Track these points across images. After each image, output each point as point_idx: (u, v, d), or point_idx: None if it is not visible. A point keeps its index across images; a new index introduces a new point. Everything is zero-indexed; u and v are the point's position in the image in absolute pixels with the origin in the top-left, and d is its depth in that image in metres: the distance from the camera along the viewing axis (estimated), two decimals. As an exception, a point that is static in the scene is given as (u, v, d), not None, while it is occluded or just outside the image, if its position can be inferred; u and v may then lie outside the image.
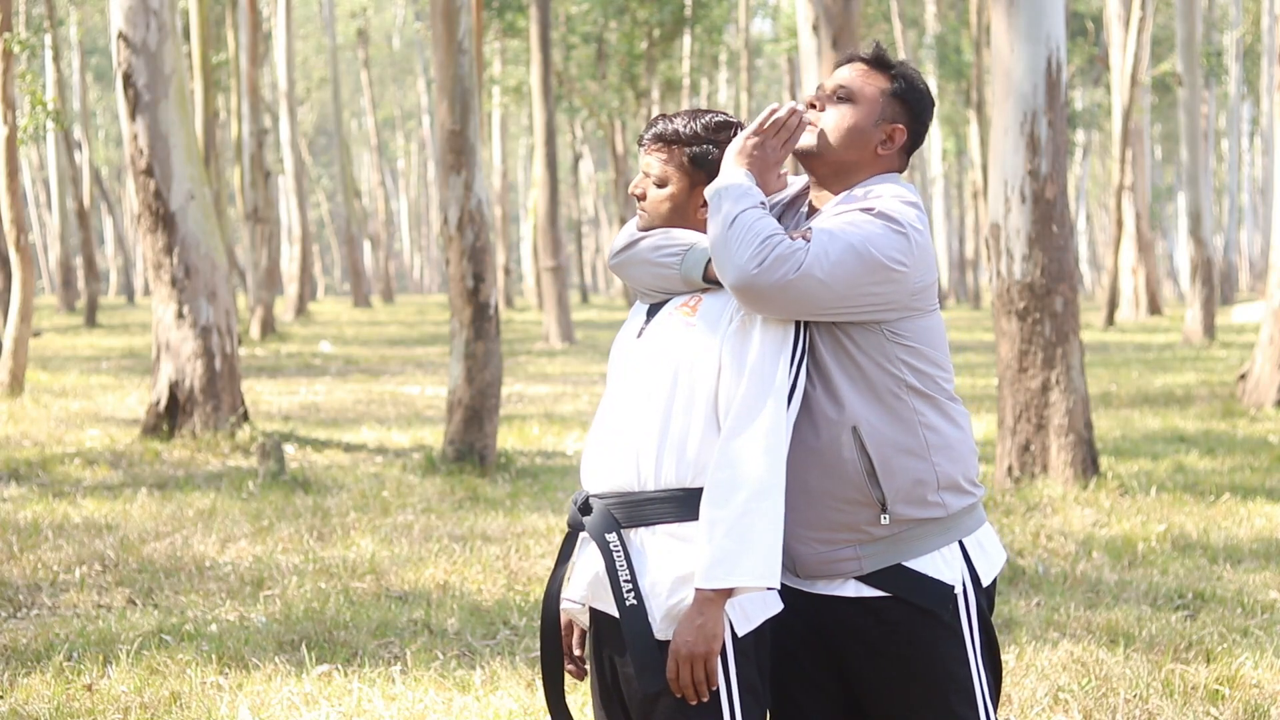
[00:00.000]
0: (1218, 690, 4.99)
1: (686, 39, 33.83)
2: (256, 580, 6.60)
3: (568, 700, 3.13)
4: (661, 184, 3.05)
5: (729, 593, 2.83)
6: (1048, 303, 8.77)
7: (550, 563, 6.99)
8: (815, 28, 10.79)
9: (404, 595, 6.40)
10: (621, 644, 2.91)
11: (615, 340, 3.13)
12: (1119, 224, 26.60)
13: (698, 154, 3.02)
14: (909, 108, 3.09)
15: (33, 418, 12.59)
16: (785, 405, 2.89)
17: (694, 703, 2.84)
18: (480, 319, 9.92)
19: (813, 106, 3.09)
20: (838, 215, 2.98)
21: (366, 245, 52.20)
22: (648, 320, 3.05)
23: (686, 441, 2.90)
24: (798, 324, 2.95)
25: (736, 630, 2.88)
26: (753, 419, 2.85)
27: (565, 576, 3.07)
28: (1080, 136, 42.39)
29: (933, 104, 3.15)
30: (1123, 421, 12.67)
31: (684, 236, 3.03)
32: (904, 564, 2.96)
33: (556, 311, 23.71)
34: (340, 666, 5.28)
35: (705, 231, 3.00)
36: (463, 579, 6.68)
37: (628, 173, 34.63)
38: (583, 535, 3.02)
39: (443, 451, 9.96)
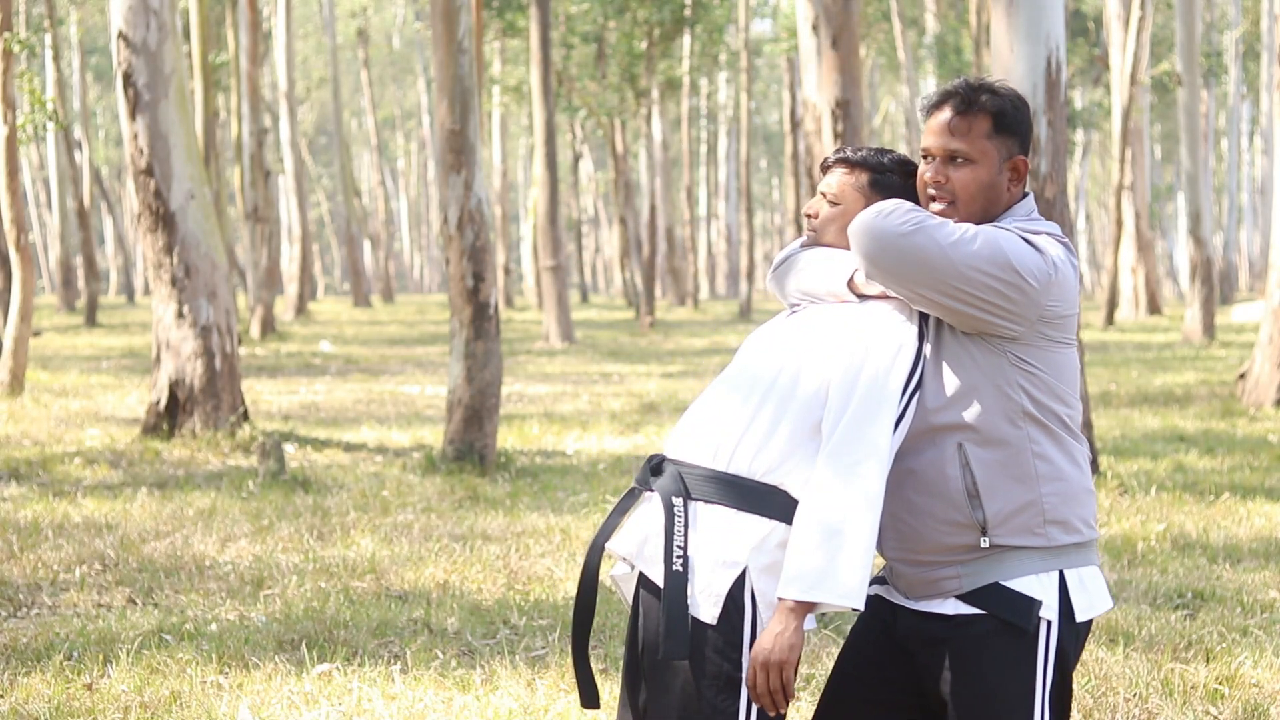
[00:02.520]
0: (1217, 690, 4.99)
1: (686, 39, 33.83)
2: (256, 580, 6.60)
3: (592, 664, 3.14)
4: (836, 203, 3.13)
5: (812, 606, 2.85)
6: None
7: (550, 562, 7.00)
8: (815, 28, 10.79)
9: (404, 595, 6.40)
10: (656, 608, 2.94)
11: (753, 331, 3.19)
12: (1119, 224, 26.60)
13: (879, 179, 3.11)
14: (1019, 136, 3.05)
15: (33, 417, 12.59)
16: (891, 431, 2.91)
17: (772, 713, 2.89)
18: (480, 318, 9.92)
19: (940, 185, 3.03)
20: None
21: (366, 245, 52.19)
22: (787, 318, 3.13)
23: (770, 437, 2.94)
24: (917, 353, 2.94)
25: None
26: (860, 439, 2.87)
27: (615, 527, 3.09)
28: (1080, 136, 42.38)
29: (1026, 106, 3.09)
30: (1122, 421, 12.67)
31: (841, 253, 3.10)
32: (1001, 582, 2.93)
33: (556, 311, 23.71)
34: (340, 666, 5.28)
35: None
36: (463, 579, 6.68)
37: (627, 172, 34.62)
38: (644, 495, 3.05)
39: (443, 451, 9.96)
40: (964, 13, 37.96)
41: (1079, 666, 5.24)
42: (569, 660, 5.31)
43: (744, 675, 2.89)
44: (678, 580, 2.88)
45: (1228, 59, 41.89)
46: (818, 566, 2.83)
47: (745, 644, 2.90)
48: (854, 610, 2.88)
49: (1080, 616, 2.98)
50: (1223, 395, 14.24)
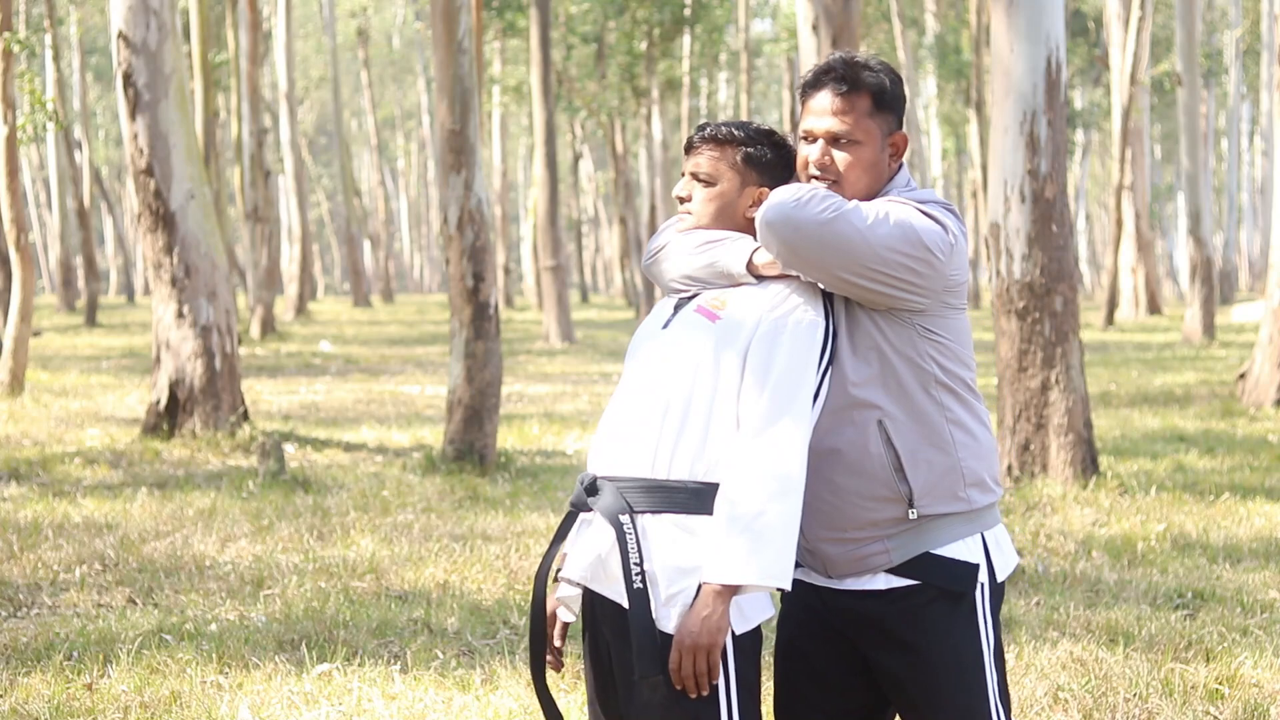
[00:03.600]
0: (1217, 689, 4.99)
1: (686, 39, 33.82)
2: (256, 580, 6.60)
3: (550, 687, 3.14)
4: (710, 182, 3.07)
5: (736, 589, 2.84)
6: (1047, 302, 8.77)
7: (550, 562, 6.99)
8: (815, 28, 10.78)
9: (404, 595, 6.40)
10: (622, 628, 2.91)
11: (638, 330, 3.13)
12: (1119, 224, 26.59)
13: (751, 154, 3.06)
14: (896, 111, 3.06)
15: (33, 417, 12.59)
16: (809, 411, 2.90)
17: (694, 695, 2.85)
18: (480, 318, 9.92)
19: (821, 170, 3.03)
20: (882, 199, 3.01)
21: (366, 245, 52.19)
22: (674, 313, 3.05)
23: (704, 437, 2.90)
24: (826, 330, 2.95)
25: (735, 629, 2.89)
26: (776, 422, 2.86)
27: (558, 556, 3.06)
28: (1080, 136, 42.39)
29: (901, 80, 3.09)
30: (1122, 421, 12.67)
31: (726, 234, 3.05)
32: (931, 551, 2.97)
33: (556, 311, 23.71)
34: (340, 666, 5.28)
35: (751, 233, 3.02)
36: (463, 579, 6.68)
37: (627, 172, 34.64)
38: (583, 516, 3.01)
39: (443, 451, 9.96)
40: (964, 13, 37.98)
41: (1079, 666, 5.25)
42: (568, 660, 5.31)
43: (719, 680, 2.87)
44: (640, 598, 2.85)
45: (1228, 59, 41.88)
46: (742, 548, 2.81)
47: (726, 648, 2.89)
48: (779, 590, 2.88)
49: (1001, 576, 3.05)
50: (1223, 395, 14.24)
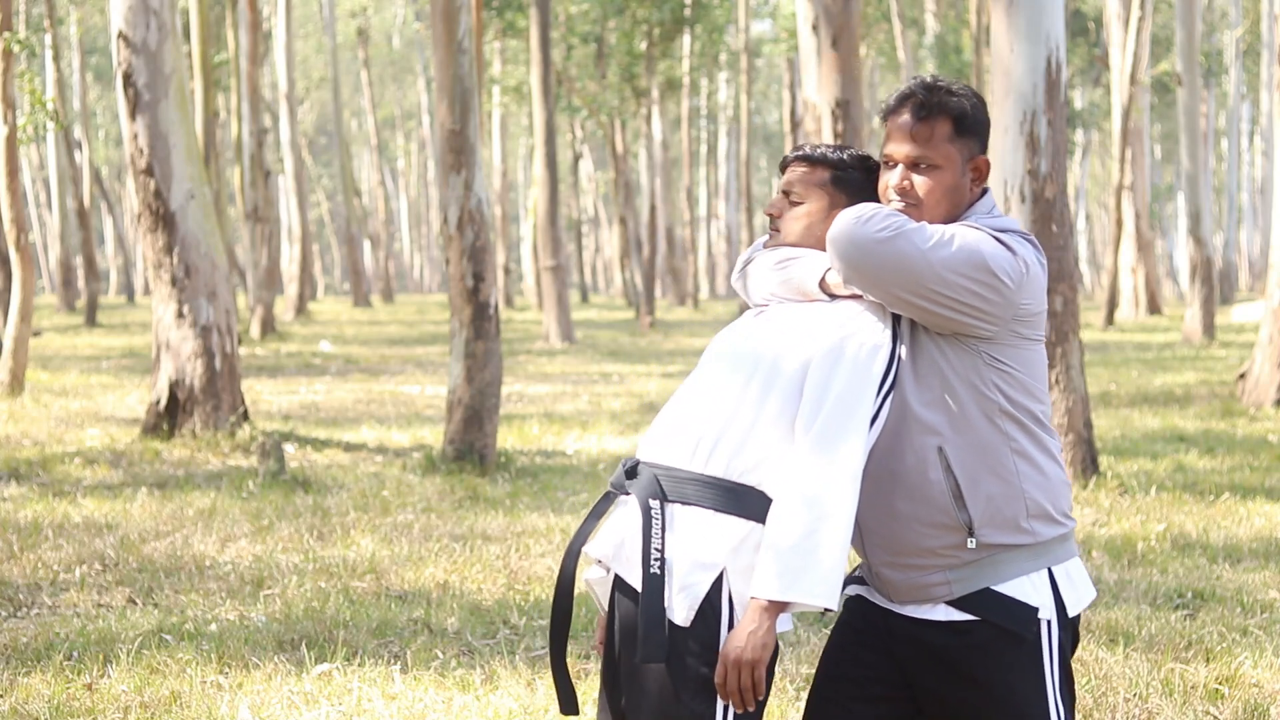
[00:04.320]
0: (1217, 689, 4.99)
1: (686, 39, 33.82)
2: (256, 580, 6.60)
3: (571, 672, 3.13)
4: (799, 201, 3.12)
5: (784, 606, 2.85)
6: (1047, 302, 8.76)
7: (550, 562, 7.00)
8: (815, 28, 10.78)
9: (404, 595, 6.40)
10: (630, 611, 2.93)
11: (717, 334, 3.18)
12: (1118, 223, 26.59)
13: (840, 176, 3.10)
14: (979, 135, 3.06)
15: (33, 417, 12.59)
16: (867, 433, 2.90)
17: (739, 710, 2.87)
18: (480, 318, 9.92)
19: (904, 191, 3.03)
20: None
21: (366, 245, 52.19)
22: (750, 322, 3.11)
23: (745, 438, 2.92)
24: (891, 353, 2.93)
25: None
26: (834, 442, 2.86)
27: (591, 532, 3.07)
28: (1080, 136, 42.38)
29: (984, 103, 3.09)
30: (1122, 421, 12.67)
31: (805, 251, 3.08)
32: (992, 588, 2.93)
33: (556, 311, 23.71)
34: (340, 666, 5.28)
35: None
36: (463, 579, 6.68)
37: (627, 172, 34.62)
38: (619, 499, 3.04)
39: (443, 451, 9.96)
40: (964, 13, 37.97)
41: (1078, 667, 5.24)
42: (568, 660, 5.31)
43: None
44: (654, 583, 2.87)
45: (1228, 59, 41.88)
46: (792, 566, 2.82)
47: (721, 644, 2.89)
48: (826, 610, 2.87)
49: (1072, 611, 2.99)
50: (1223, 395, 14.24)
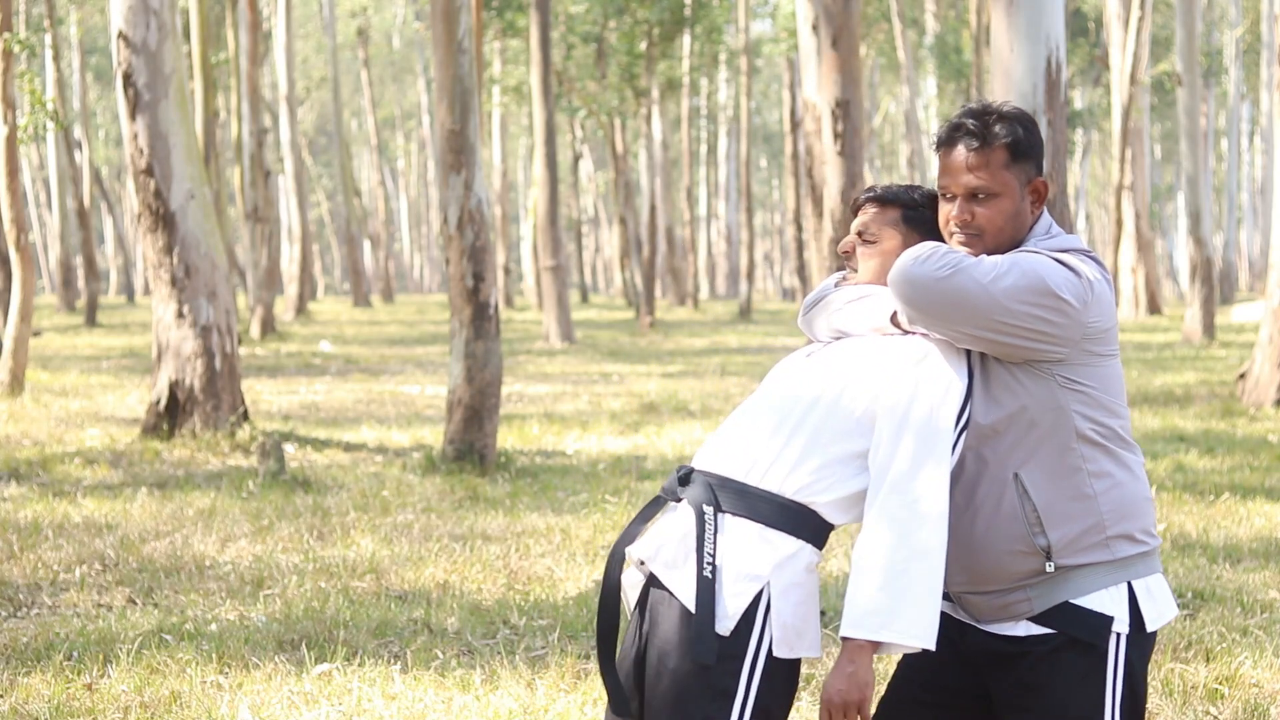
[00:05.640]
0: (1217, 690, 4.99)
1: (686, 39, 33.83)
2: (256, 580, 6.60)
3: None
4: (873, 240, 3.14)
5: (878, 645, 2.85)
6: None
7: (550, 562, 7.00)
8: (815, 28, 10.78)
9: (404, 595, 6.40)
10: (668, 616, 2.91)
11: (784, 359, 3.20)
12: (1119, 224, 26.59)
13: (911, 214, 3.12)
14: (1034, 158, 3.03)
15: (33, 417, 12.59)
16: (948, 465, 2.90)
17: None
18: (480, 318, 9.92)
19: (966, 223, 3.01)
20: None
21: (366, 245, 52.21)
22: (821, 348, 3.13)
23: (805, 457, 2.93)
24: (967, 385, 2.93)
25: (776, 653, 2.89)
26: (917, 477, 2.86)
27: (637, 535, 3.07)
28: (1080, 136, 42.40)
29: (1036, 124, 3.07)
30: (1122, 421, 12.65)
31: (877, 289, 3.10)
32: (1071, 600, 2.93)
33: (556, 311, 23.71)
34: (340, 666, 5.28)
35: None
36: (463, 579, 6.68)
37: (627, 172, 34.62)
38: (669, 505, 3.05)
39: (443, 451, 9.96)
40: (964, 13, 37.99)
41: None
42: (568, 660, 5.32)
43: (739, 687, 2.87)
44: (708, 586, 2.88)
45: (1228, 59, 41.88)
46: (886, 605, 2.83)
47: (748, 658, 2.88)
48: (923, 650, 2.87)
49: (1150, 626, 2.97)
50: (1223, 395, 14.24)
